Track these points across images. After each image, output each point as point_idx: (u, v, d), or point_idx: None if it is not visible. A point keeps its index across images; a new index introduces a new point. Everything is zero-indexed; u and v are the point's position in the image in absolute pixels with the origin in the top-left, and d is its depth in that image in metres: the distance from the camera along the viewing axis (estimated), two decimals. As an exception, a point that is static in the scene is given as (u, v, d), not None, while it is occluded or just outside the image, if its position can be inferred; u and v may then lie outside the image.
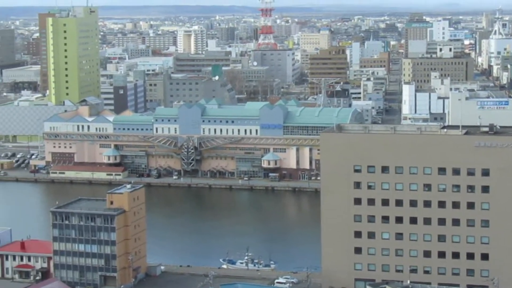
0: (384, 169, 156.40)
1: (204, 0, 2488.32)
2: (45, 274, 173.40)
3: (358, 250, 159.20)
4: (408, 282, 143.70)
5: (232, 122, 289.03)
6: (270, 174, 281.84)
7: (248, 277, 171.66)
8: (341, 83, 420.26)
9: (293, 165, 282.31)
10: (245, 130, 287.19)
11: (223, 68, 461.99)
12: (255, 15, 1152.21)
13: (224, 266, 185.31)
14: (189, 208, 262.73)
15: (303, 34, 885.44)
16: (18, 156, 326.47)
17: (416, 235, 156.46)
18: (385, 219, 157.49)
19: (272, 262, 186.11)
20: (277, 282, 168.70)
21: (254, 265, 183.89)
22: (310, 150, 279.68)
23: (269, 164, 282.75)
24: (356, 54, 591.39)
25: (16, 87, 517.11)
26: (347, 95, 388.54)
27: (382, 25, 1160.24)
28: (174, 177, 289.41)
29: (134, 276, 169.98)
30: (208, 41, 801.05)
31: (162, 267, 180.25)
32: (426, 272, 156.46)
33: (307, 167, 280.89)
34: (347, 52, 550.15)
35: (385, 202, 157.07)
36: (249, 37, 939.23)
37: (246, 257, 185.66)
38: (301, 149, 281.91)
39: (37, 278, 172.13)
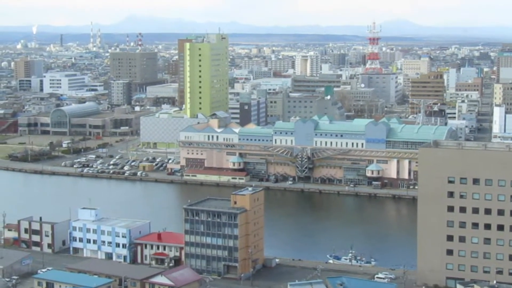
0: (475, 181, 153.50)
1: (319, 29, 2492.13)
2: (177, 261, 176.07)
3: (450, 252, 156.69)
4: (495, 282, 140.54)
5: (341, 136, 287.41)
6: (373, 182, 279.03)
7: (351, 272, 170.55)
8: (438, 104, 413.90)
9: (393, 175, 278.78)
10: (352, 143, 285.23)
11: (335, 88, 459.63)
12: (364, 43, 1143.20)
13: (331, 261, 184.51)
14: (302, 209, 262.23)
15: (406, 60, 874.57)
16: (158, 160, 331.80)
17: (502, 241, 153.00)
18: (475, 225, 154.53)
19: (372, 259, 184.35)
20: (377, 277, 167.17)
21: (357, 261, 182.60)
22: (409, 162, 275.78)
23: (372, 173, 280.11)
24: (453, 79, 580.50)
25: (158, 102, 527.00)
26: (443, 115, 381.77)
27: (477, 54, 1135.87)
28: (289, 182, 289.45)
29: (253, 267, 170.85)
30: (322, 65, 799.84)
31: (277, 260, 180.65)
32: (511, 274, 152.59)
33: (406, 177, 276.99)
34: (444, 77, 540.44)
35: (475, 210, 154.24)
36: (358, 62, 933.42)
37: (350, 254, 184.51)
38: (401, 161, 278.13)
39: (171, 264, 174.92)
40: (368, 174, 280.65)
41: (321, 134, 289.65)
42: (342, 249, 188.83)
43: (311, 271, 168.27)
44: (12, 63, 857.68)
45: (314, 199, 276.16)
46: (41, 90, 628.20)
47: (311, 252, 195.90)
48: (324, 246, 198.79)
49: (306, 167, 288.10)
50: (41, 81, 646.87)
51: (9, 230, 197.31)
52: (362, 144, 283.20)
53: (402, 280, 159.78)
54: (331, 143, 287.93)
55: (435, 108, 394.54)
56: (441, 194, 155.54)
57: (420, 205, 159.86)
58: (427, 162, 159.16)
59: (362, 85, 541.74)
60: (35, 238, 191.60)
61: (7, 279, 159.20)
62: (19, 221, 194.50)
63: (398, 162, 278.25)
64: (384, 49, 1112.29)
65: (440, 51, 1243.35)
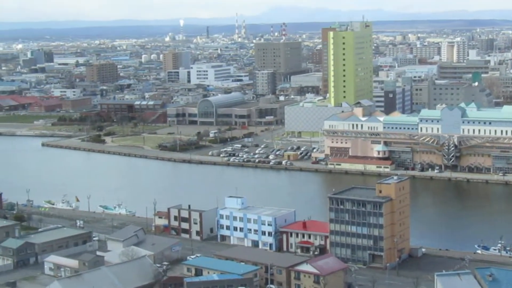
0: None
1: (466, 14, 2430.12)
2: (322, 250, 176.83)
3: None
4: None
5: (490, 123, 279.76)
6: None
7: (500, 263, 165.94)
8: None
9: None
10: (502, 131, 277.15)
11: (482, 75, 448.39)
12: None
13: (479, 252, 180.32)
14: (449, 198, 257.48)
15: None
16: (302, 149, 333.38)
17: None
18: None
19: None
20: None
21: (507, 252, 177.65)
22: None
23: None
24: None
25: (302, 91, 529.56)
26: None
27: None
28: (436, 171, 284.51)
29: (398, 256, 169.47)
30: (469, 51, 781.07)
31: (423, 250, 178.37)
32: None
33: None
34: None
35: None
36: (507, 47, 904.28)
37: (499, 245, 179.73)
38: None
39: (316, 253, 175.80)
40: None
41: (468, 122, 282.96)
42: (491, 239, 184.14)
43: (458, 262, 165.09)
44: (161, 56, 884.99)
45: (462, 188, 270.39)
46: (189, 81, 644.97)
47: (459, 242, 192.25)
48: (472, 236, 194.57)
49: (453, 156, 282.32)
50: (189, 73, 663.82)
51: (159, 217, 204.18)
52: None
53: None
54: (479, 131, 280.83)
55: None
56: None
57: None
58: None
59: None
60: (184, 225, 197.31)
61: (159, 265, 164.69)
62: (169, 209, 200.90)
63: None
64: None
65: None
